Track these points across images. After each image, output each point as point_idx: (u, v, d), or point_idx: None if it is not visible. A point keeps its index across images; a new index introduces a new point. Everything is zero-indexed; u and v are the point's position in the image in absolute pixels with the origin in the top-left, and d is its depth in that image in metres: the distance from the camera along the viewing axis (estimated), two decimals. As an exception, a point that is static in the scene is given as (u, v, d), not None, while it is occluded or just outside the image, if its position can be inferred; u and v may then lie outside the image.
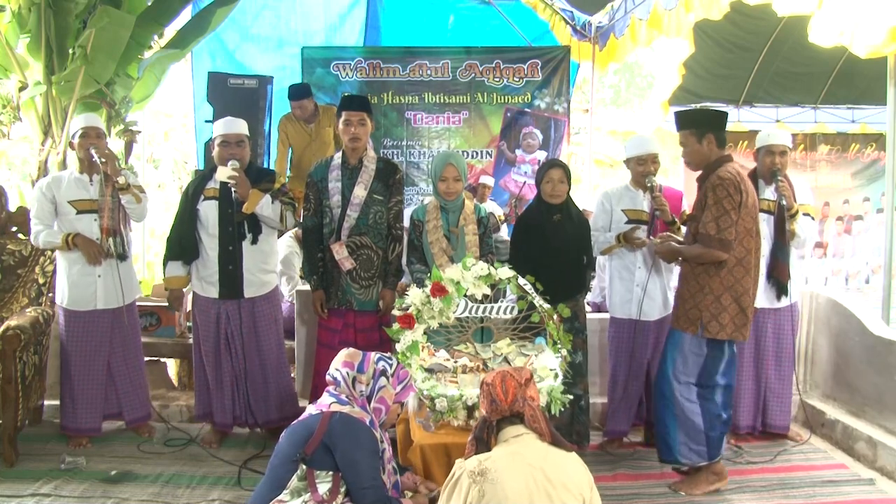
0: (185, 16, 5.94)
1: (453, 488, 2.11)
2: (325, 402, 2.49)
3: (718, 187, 3.04)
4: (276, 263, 3.88)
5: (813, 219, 3.88)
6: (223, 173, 3.47)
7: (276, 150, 5.91)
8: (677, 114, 3.36)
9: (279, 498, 2.34)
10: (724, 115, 3.33)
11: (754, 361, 3.86)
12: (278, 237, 4.13)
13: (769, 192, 3.80)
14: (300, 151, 5.64)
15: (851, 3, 3.84)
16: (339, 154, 3.67)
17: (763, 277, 3.77)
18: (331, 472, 2.35)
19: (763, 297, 3.79)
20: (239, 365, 3.63)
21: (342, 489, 2.33)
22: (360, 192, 3.57)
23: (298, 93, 5.51)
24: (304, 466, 2.36)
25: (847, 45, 3.91)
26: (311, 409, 2.51)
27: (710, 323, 3.11)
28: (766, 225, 3.78)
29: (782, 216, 3.71)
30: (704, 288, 3.12)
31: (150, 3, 5.34)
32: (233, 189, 3.48)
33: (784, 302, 3.82)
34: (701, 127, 3.17)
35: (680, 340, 3.18)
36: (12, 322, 3.51)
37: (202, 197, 3.60)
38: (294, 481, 2.36)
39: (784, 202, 3.68)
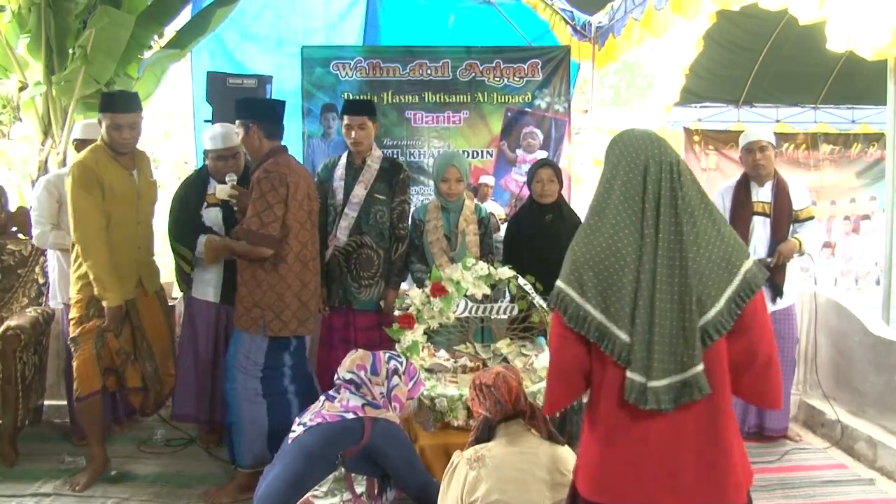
0: (185, 16, 5.93)
1: (452, 475, 2.17)
2: (354, 403, 2.47)
3: (263, 181, 2.96)
4: None
5: (813, 217, 3.86)
6: (223, 192, 3.40)
7: None
8: (236, 103, 3.25)
9: (313, 493, 2.34)
10: (273, 105, 3.22)
11: None
12: None
13: (762, 194, 3.78)
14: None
15: (855, 6, 3.84)
16: (346, 153, 3.68)
17: None
18: (364, 477, 2.39)
19: None
20: None
21: (386, 490, 2.39)
22: (359, 192, 3.57)
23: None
24: (343, 469, 2.37)
25: (853, 49, 3.91)
26: (332, 409, 2.48)
27: (273, 322, 3.02)
28: (761, 227, 3.76)
29: (778, 217, 3.70)
30: (263, 284, 3.02)
31: (150, 3, 5.34)
32: (234, 207, 3.43)
33: (781, 304, 3.80)
34: (247, 118, 3.08)
35: (239, 340, 3.07)
36: (12, 322, 3.52)
37: (205, 204, 3.60)
38: (329, 481, 2.37)
39: (795, 255, 3.72)
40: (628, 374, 1.61)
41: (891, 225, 4.13)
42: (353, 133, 3.55)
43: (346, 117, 3.58)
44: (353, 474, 2.37)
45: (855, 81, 8.04)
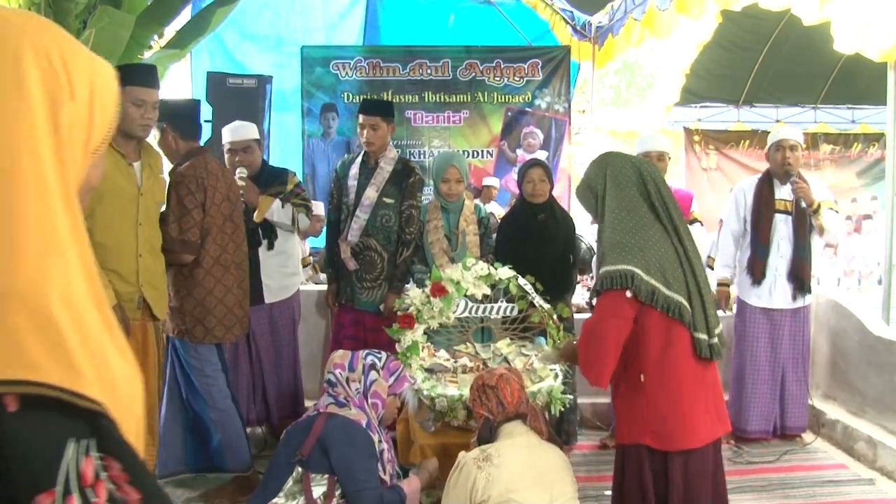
0: (186, 16, 5.94)
1: (458, 476, 2.17)
2: (323, 403, 2.49)
3: (179, 185, 2.89)
4: (297, 265, 3.85)
5: (837, 212, 3.86)
6: None
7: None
8: None
9: (274, 501, 2.34)
10: (187, 105, 3.16)
11: (770, 365, 3.83)
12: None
13: (785, 192, 3.77)
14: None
15: (859, 7, 3.83)
16: (363, 152, 3.67)
17: (784, 278, 3.76)
18: (326, 476, 2.35)
19: (780, 298, 3.78)
20: (258, 367, 3.64)
21: (337, 492, 2.33)
22: (370, 194, 3.56)
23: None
24: (300, 469, 2.36)
25: (860, 50, 3.91)
26: (310, 411, 2.52)
27: (196, 328, 2.96)
28: (784, 225, 3.76)
29: (801, 215, 3.69)
30: (181, 290, 2.96)
31: (150, 3, 5.34)
32: (241, 198, 3.41)
33: (801, 302, 3.80)
34: (160, 121, 2.96)
35: (182, 348, 3.03)
36: (12, 322, 3.51)
37: None
38: (289, 483, 2.36)
39: (803, 203, 3.65)
40: (696, 335, 2.08)
41: (891, 225, 4.13)
42: (364, 133, 3.55)
43: (360, 116, 3.59)
44: (312, 475, 2.35)
45: (855, 81, 8.04)
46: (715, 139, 8.93)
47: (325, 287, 4.06)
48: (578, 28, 6.80)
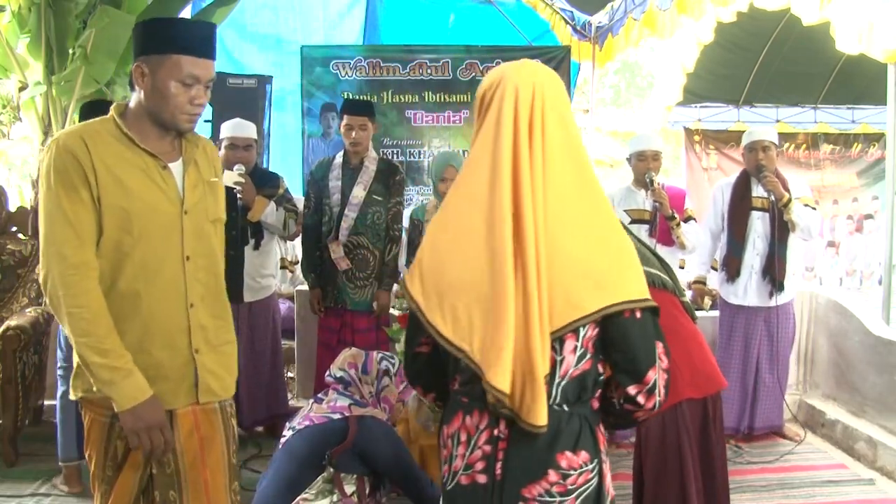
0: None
1: None
2: (342, 403, 2.47)
3: None
4: (274, 267, 3.85)
5: (814, 209, 3.84)
6: (229, 178, 3.39)
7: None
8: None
9: (303, 496, 2.34)
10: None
11: (743, 364, 3.82)
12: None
13: (761, 189, 3.76)
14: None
15: (862, 8, 3.83)
16: (341, 153, 3.68)
17: (758, 275, 3.76)
18: (355, 476, 2.37)
19: (754, 296, 3.77)
20: None
21: (380, 489, 2.37)
22: (359, 193, 3.57)
23: None
24: (332, 469, 2.36)
25: (865, 51, 3.90)
26: (320, 410, 2.48)
27: None
28: (760, 222, 3.76)
29: (778, 213, 3.68)
30: None
31: (150, 3, 5.33)
32: (238, 194, 3.43)
33: (777, 301, 3.77)
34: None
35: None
36: (12, 322, 3.51)
37: None
38: (319, 483, 2.36)
39: (773, 196, 3.65)
40: (683, 299, 2.37)
41: (891, 225, 4.13)
42: (353, 133, 3.56)
43: (346, 117, 3.59)
44: (342, 474, 2.36)
45: (855, 81, 8.03)
46: (715, 139, 8.93)
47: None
48: (578, 28, 6.80)
